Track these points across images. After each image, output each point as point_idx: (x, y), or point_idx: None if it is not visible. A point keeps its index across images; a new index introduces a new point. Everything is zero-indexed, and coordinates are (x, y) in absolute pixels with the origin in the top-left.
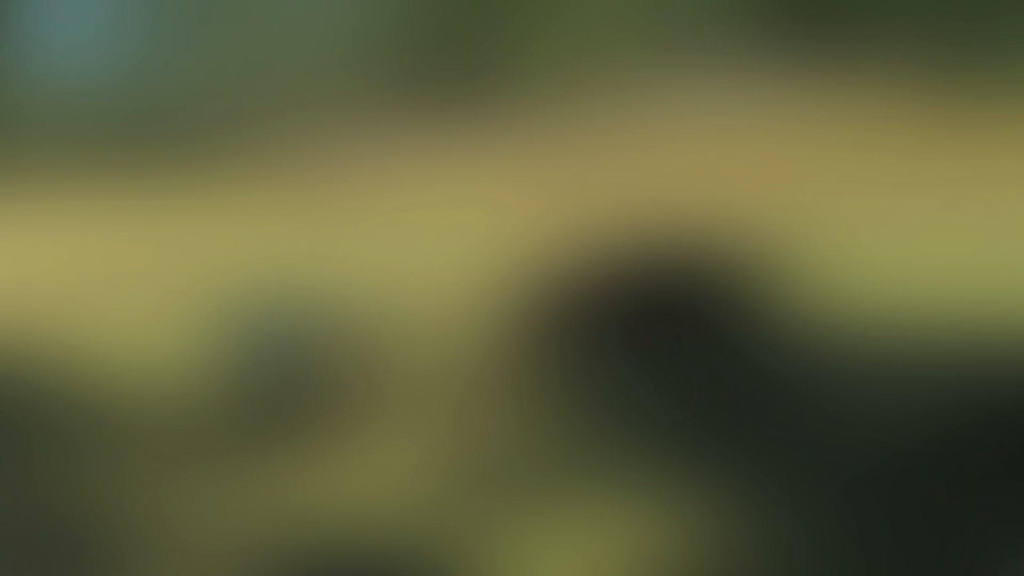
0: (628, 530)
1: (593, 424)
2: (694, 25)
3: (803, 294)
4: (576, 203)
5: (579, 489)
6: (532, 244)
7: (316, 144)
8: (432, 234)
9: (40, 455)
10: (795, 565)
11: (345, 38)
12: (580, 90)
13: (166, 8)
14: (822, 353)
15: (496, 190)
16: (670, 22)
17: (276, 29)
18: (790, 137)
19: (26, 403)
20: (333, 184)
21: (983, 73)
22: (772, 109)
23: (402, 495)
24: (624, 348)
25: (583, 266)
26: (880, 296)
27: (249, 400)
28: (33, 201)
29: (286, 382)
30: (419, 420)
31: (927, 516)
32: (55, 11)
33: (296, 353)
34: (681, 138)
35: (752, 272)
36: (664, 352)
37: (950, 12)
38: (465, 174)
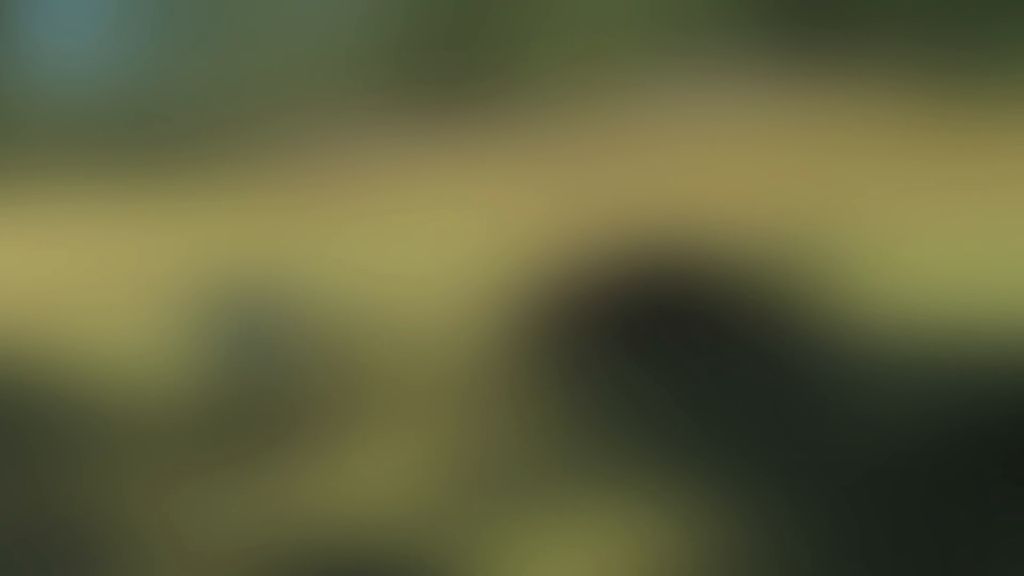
0: (628, 532)
1: (592, 426)
2: (694, 27)
3: (802, 296)
4: (576, 206)
5: (579, 491)
6: (531, 247)
7: (314, 146)
8: (430, 236)
9: (35, 456)
10: (797, 568)
11: (343, 40)
12: (580, 92)
13: (163, 11)
14: (822, 355)
15: (495, 192)
16: (670, 24)
17: (273, 32)
18: (789, 140)
19: (21, 404)
20: (332, 186)
21: (983, 76)
22: (772, 112)
23: (400, 497)
24: (622, 350)
25: (582, 269)
26: (879, 298)
27: (247, 402)
28: (28, 203)
29: (285, 384)
30: (417, 422)
31: (933, 519)
32: (53, 14)
33: (295, 355)
34: (681, 140)
35: (751, 274)
36: (662, 354)
37: (950, 15)
38: (464, 177)
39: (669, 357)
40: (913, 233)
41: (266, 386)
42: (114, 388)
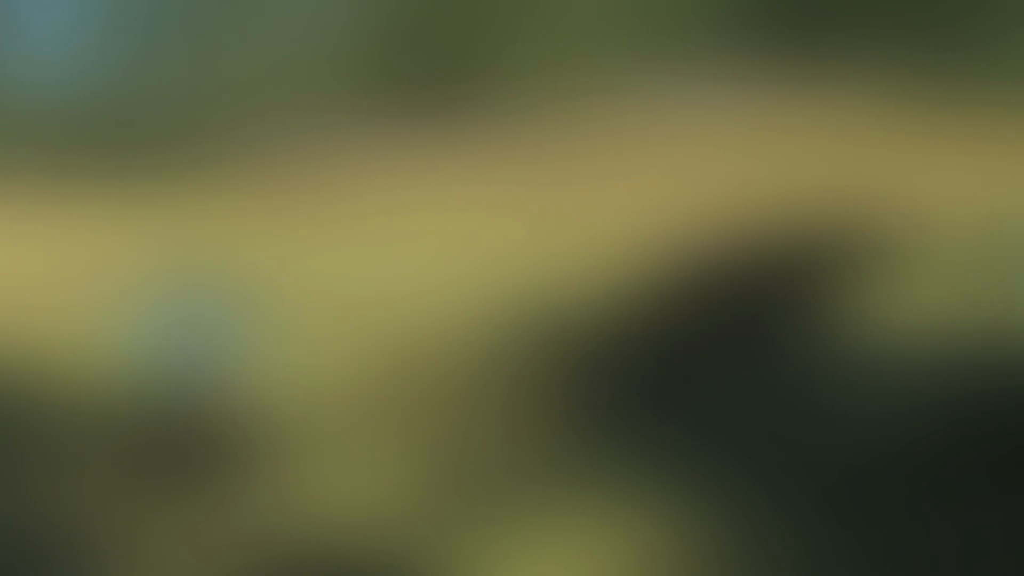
0: (613, 534)
1: (576, 428)
2: (681, 29)
3: (787, 297)
4: (563, 208)
5: (566, 494)
6: (518, 249)
7: (298, 149)
8: (416, 239)
9: None
10: (781, 570)
11: (327, 43)
12: (567, 95)
13: (145, 13)
14: (808, 356)
15: (481, 195)
16: (657, 25)
17: (256, 34)
18: (778, 141)
19: None
20: (316, 190)
21: (968, 79)
22: (760, 113)
23: (384, 502)
24: (608, 353)
25: (569, 271)
26: (866, 297)
27: (225, 406)
28: (2, 203)
29: (265, 387)
30: (401, 426)
31: (919, 519)
32: (32, 15)
33: (274, 358)
34: (668, 143)
35: (739, 276)
36: (648, 357)
37: (936, 17)
38: (450, 179)
39: (655, 359)
40: (901, 232)
41: (245, 390)
42: (83, 391)
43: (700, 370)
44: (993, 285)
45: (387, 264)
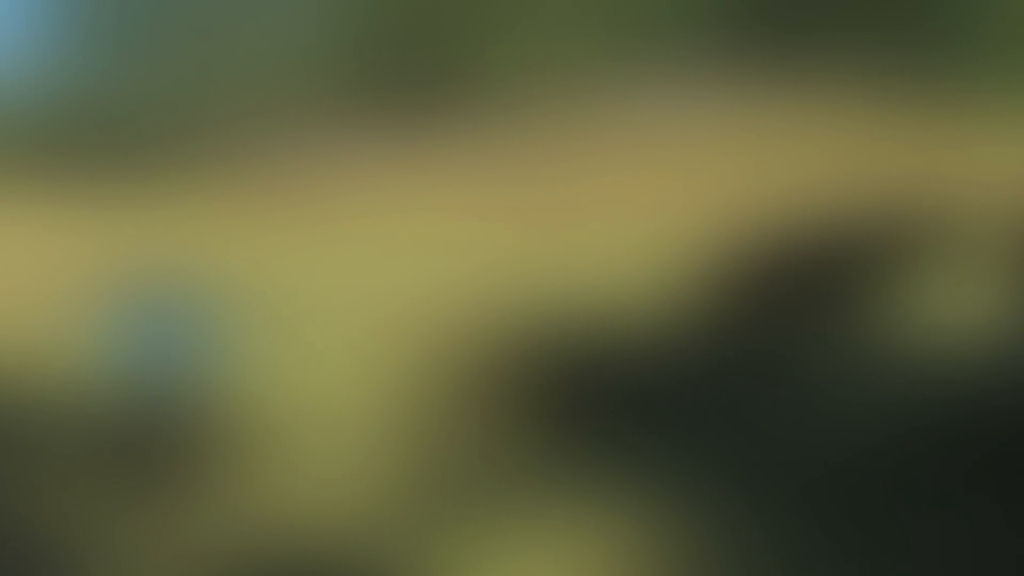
0: (601, 537)
1: (563, 431)
2: (666, 30)
3: (772, 300)
4: (548, 210)
5: (550, 497)
6: (502, 251)
7: (282, 151)
8: (401, 241)
9: None
10: (762, 571)
11: (304, 44)
12: (545, 97)
13: (116, 14)
14: (803, 359)
15: (466, 196)
16: (641, 26)
17: (240, 36)
18: (763, 142)
19: None
20: (299, 191)
21: (954, 78)
22: (745, 115)
23: (365, 505)
24: (594, 355)
25: (553, 273)
26: (853, 298)
27: (206, 407)
28: None
29: (248, 389)
30: (385, 429)
31: (906, 519)
32: (13, 15)
33: (262, 360)
34: (653, 144)
35: (723, 277)
36: (637, 360)
37: (921, 17)
38: (435, 181)
39: (640, 361)
40: (892, 231)
41: (227, 392)
42: (65, 393)
43: (686, 373)
44: (986, 284)
45: (371, 266)
